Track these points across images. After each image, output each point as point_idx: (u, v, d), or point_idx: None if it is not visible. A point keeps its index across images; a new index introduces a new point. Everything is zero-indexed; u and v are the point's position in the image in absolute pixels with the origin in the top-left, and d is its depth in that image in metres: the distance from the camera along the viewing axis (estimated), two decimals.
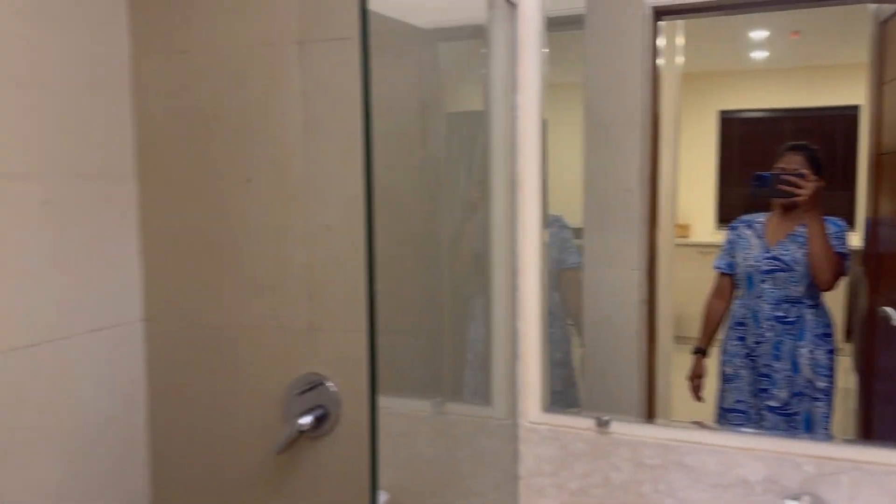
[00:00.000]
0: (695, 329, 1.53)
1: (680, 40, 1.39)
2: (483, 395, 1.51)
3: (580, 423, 1.27)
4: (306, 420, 1.53)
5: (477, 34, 1.51)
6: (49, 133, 1.47)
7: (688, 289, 1.55)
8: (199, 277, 1.66)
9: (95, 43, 1.57)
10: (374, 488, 1.06)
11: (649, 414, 1.35)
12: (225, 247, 1.63)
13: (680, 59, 1.38)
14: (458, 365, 1.57)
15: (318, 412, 1.56)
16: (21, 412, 1.42)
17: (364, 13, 1.08)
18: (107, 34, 1.60)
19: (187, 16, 1.61)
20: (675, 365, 1.50)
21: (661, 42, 1.43)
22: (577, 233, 1.50)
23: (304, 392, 1.56)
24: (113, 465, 1.64)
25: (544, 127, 1.38)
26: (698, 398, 1.47)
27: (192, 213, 1.65)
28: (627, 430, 1.21)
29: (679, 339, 1.53)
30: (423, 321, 1.57)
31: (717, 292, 1.52)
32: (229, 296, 1.63)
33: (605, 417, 1.27)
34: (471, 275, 1.56)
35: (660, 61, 1.45)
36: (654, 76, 1.47)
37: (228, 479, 1.66)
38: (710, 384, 1.49)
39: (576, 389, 1.50)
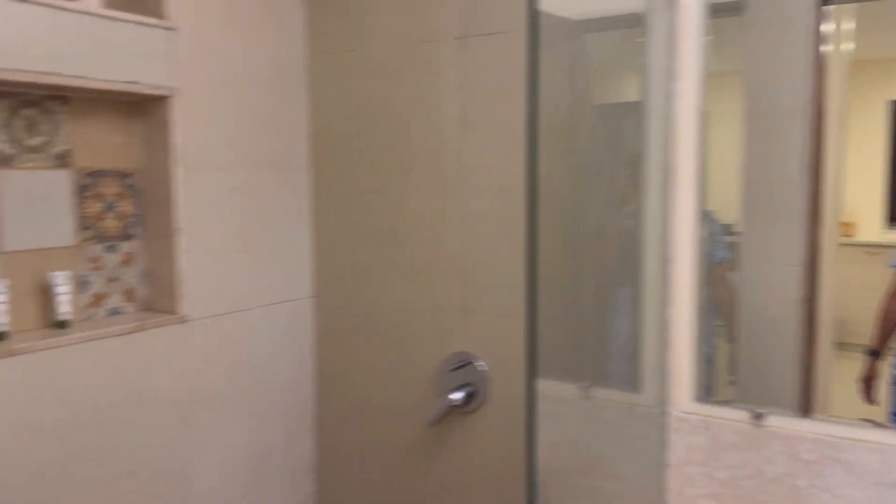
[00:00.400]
0: (858, 334, 1.45)
1: (849, 25, 1.32)
2: (631, 382, 1.53)
3: (733, 415, 1.26)
4: (458, 396, 1.62)
5: (633, 23, 1.51)
6: (238, 128, 1.65)
7: (852, 291, 1.47)
8: (362, 259, 1.80)
9: (278, 46, 1.74)
10: (531, 472, 1.12)
11: (806, 410, 1.32)
12: (386, 231, 1.75)
13: (848, 46, 1.32)
14: (605, 351, 1.60)
15: (468, 389, 1.65)
16: (211, 375, 1.62)
17: (532, 8, 1.14)
18: (287, 37, 1.77)
19: (356, 17, 1.74)
20: (837, 368, 1.44)
21: (827, 28, 1.38)
22: (727, 228, 1.47)
23: (455, 369, 1.65)
24: (285, 430, 1.82)
25: (703, 117, 1.37)
26: (871, 401, 1.41)
27: (358, 200, 1.79)
28: (783, 423, 1.19)
29: (841, 345, 1.46)
30: (571, 307, 1.61)
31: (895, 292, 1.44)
32: (389, 277, 1.75)
33: (760, 410, 1.25)
34: (619, 263, 1.58)
35: (826, 48, 1.39)
36: (820, 64, 1.41)
37: (385, 447, 1.80)
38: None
39: (720, 384, 1.48)
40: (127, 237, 1.55)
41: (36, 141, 1.37)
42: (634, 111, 1.52)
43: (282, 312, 1.79)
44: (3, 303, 1.27)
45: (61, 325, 1.38)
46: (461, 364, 1.65)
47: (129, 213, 1.55)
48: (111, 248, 1.52)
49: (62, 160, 1.42)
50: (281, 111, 1.76)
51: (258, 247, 1.72)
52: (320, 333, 1.89)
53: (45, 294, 1.40)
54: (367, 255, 1.79)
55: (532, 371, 1.25)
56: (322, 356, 1.90)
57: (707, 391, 1.47)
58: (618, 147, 1.60)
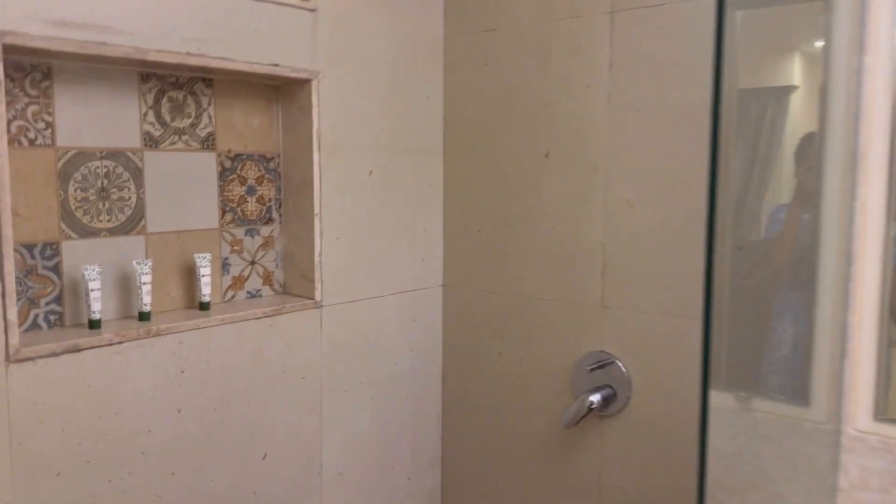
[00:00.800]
0: None
1: None
2: (798, 394, 1.36)
3: None
4: (596, 398, 1.52)
5: None
6: (374, 112, 1.62)
7: None
8: (494, 248, 1.72)
9: (416, 26, 1.69)
10: (701, 488, 1.01)
11: None
12: (521, 219, 1.67)
13: None
14: (768, 360, 1.44)
15: (606, 391, 1.54)
16: (342, 361, 1.61)
17: None
18: (426, 17, 1.71)
19: None
20: None
21: None
22: None
23: (594, 369, 1.55)
24: (412, 419, 1.79)
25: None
26: None
27: (491, 186, 1.71)
28: None
29: None
30: (731, 308, 1.47)
31: None
32: (523, 267, 1.67)
33: None
34: (790, 262, 1.41)
35: None
36: None
37: (511, 443, 1.73)
38: None
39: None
40: (266, 221, 1.56)
41: (182, 123, 1.39)
42: (806, 92, 1.35)
43: (412, 301, 1.76)
44: (147, 283, 1.30)
45: (203, 306, 1.40)
46: (600, 363, 1.54)
47: (268, 197, 1.55)
48: (251, 232, 1.53)
49: (207, 143, 1.44)
50: (416, 94, 1.71)
51: (391, 233, 1.69)
52: (448, 323, 1.84)
53: (188, 276, 1.42)
54: (499, 244, 1.71)
55: (705, 379, 1.13)
56: (449, 346, 1.85)
57: (884, 409, 1.29)
58: (787, 132, 1.44)
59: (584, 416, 1.52)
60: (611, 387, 1.55)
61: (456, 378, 1.84)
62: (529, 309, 1.67)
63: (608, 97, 1.50)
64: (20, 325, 1.20)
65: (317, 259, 1.52)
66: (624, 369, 1.52)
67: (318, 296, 1.53)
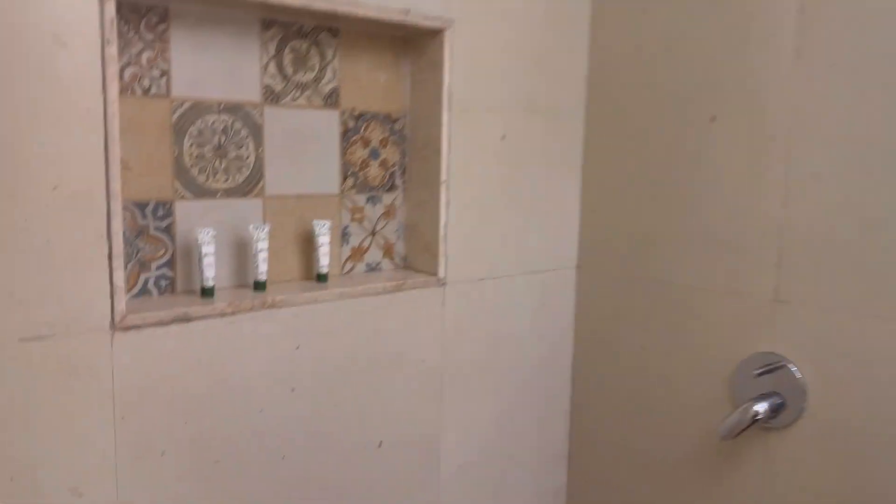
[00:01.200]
0: None
1: None
2: None
3: None
4: (762, 407, 1.29)
5: None
6: (510, 68, 1.44)
7: None
8: (640, 226, 1.50)
9: None
10: None
11: None
12: (676, 194, 1.44)
13: None
14: None
15: (775, 400, 1.30)
16: (465, 344, 1.45)
17: None
18: None
19: None
20: None
21: None
22: None
23: (762, 373, 1.31)
24: (538, 412, 1.61)
25: None
26: None
27: (641, 155, 1.49)
28: None
29: None
30: None
31: None
32: (676, 250, 1.44)
33: None
34: None
35: None
36: None
37: (652, 449, 1.51)
38: None
39: None
40: (390, 188, 1.42)
41: (304, 77, 1.27)
42: None
43: (542, 282, 1.57)
44: (264, 250, 1.19)
45: (321, 278, 1.28)
46: (770, 367, 1.30)
47: (392, 162, 1.41)
48: (373, 199, 1.40)
49: (330, 99, 1.31)
50: (557, 49, 1.51)
51: (523, 205, 1.51)
52: (582, 310, 1.64)
53: (305, 244, 1.31)
54: (647, 222, 1.49)
55: None
56: (582, 336, 1.65)
57: None
58: None
59: (746, 428, 1.29)
60: (779, 395, 1.31)
61: (588, 372, 1.65)
62: (682, 300, 1.44)
63: (796, 50, 1.24)
64: (129, 289, 1.12)
65: (441, 231, 1.37)
66: (799, 375, 1.28)
67: (441, 271, 1.38)
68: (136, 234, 1.12)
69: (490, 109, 1.42)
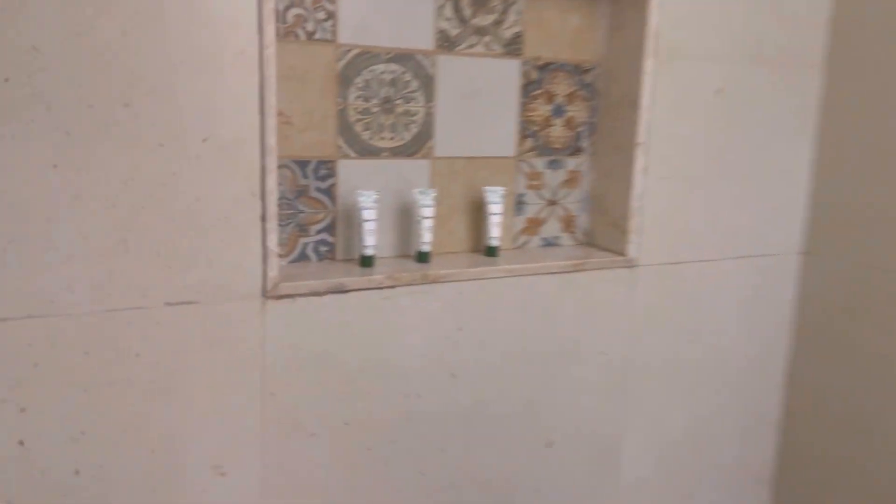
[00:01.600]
0: None
1: None
2: None
3: None
4: None
5: None
6: (729, 8, 1.18)
7: None
8: (891, 206, 1.19)
9: None
10: None
11: None
12: None
13: None
14: None
15: None
16: (657, 336, 1.25)
17: None
18: None
19: None
20: None
21: None
22: None
23: None
24: (740, 423, 1.38)
25: None
26: None
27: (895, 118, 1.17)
28: None
29: None
30: None
31: None
32: None
33: None
34: None
35: None
36: None
37: (884, 479, 1.21)
38: None
39: None
40: (574, 151, 1.23)
41: (484, 20, 1.11)
42: None
43: (756, 268, 1.32)
44: (429, 217, 1.06)
45: (490, 251, 1.13)
46: None
47: (579, 121, 1.22)
48: (554, 164, 1.22)
49: (512, 46, 1.14)
50: None
51: (738, 175, 1.26)
52: (807, 303, 1.36)
53: (474, 213, 1.16)
54: None
55: None
56: (803, 334, 1.37)
57: None
58: None
59: None
60: None
61: (807, 378, 1.37)
62: None
63: None
64: (287, 254, 1.04)
65: (634, 203, 1.16)
66: None
67: (631, 251, 1.18)
68: (296, 195, 1.03)
69: (705, 57, 1.18)
